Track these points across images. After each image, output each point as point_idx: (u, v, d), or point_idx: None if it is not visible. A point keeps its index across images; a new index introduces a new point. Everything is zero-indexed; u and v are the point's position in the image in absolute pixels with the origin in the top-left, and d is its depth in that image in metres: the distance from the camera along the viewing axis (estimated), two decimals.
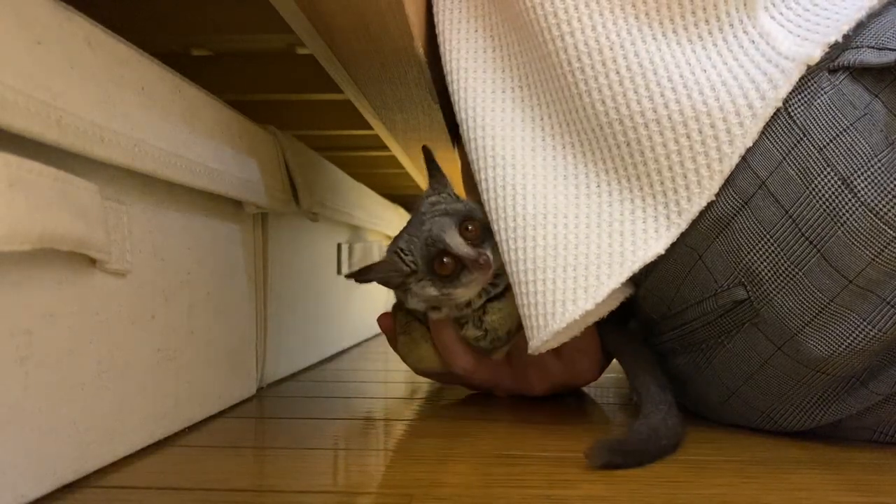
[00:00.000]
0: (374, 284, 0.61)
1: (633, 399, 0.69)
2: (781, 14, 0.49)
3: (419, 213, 0.60)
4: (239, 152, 0.62)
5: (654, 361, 0.56)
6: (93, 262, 0.43)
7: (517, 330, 0.60)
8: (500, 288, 0.59)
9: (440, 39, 0.58)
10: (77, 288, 0.42)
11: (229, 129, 0.61)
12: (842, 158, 0.45)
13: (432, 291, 0.57)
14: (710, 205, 0.48)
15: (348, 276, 0.59)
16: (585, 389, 0.72)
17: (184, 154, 0.51)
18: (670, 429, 0.50)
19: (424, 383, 0.79)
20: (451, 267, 0.56)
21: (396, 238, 0.60)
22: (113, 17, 0.47)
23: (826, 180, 0.45)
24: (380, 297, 1.30)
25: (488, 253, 0.56)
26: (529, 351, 0.53)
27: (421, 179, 1.25)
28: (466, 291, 0.57)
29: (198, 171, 0.53)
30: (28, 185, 0.34)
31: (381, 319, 0.67)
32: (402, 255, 0.58)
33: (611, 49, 0.48)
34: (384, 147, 0.94)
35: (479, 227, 0.57)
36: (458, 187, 0.74)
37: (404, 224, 0.61)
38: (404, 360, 0.68)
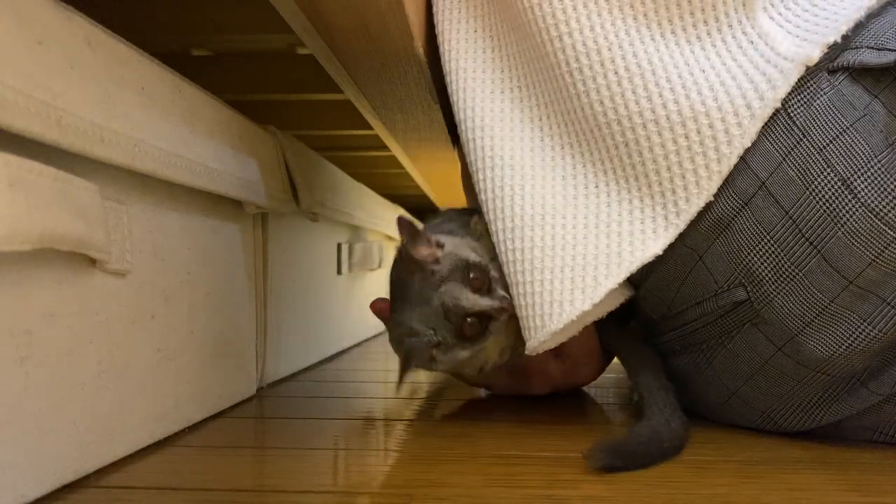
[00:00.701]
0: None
1: (632, 399, 0.69)
2: (780, 14, 0.49)
3: (413, 290, 0.54)
4: (239, 152, 0.62)
5: (658, 363, 0.56)
6: (93, 262, 0.43)
7: (510, 357, 0.60)
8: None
9: (440, 39, 0.58)
10: (77, 288, 0.42)
11: (229, 129, 0.61)
12: (842, 159, 0.45)
13: (464, 354, 0.55)
14: (709, 205, 0.48)
15: (399, 387, 0.55)
16: (585, 389, 0.72)
17: (184, 154, 0.51)
18: (673, 431, 0.49)
19: (425, 383, 0.79)
20: (477, 325, 0.54)
21: (400, 322, 0.55)
22: (113, 17, 0.47)
23: (826, 181, 0.45)
24: None
25: (501, 292, 0.54)
26: (527, 351, 0.53)
27: (422, 180, 1.25)
28: (497, 339, 0.57)
29: (198, 171, 0.53)
30: (28, 185, 0.34)
31: (374, 304, 0.63)
32: (423, 334, 0.54)
33: (609, 49, 0.48)
34: (384, 147, 0.94)
35: (482, 271, 0.55)
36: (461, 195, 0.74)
37: (395, 296, 0.56)
38: None
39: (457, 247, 0.56)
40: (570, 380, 0.65)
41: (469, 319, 0.53)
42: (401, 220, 0.54)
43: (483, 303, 0.53)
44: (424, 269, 0.54)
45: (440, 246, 0.56)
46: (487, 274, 0.55)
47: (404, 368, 0.55)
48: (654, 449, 0.47)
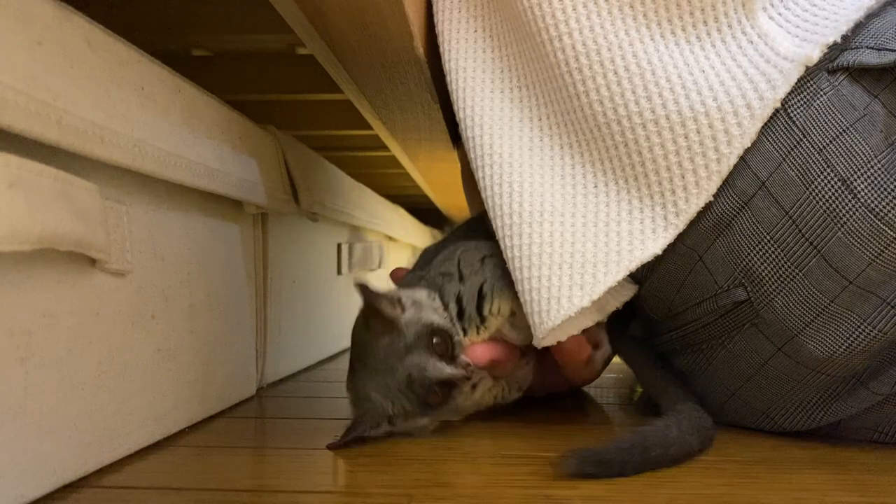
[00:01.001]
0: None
1: (632, 399, 0.69)
2: (780, 14, 0.49)
3: (377, 357, 0.52)
4: (239, 152, 0.62)
5: (662, 365, 0.56)
6: (93, 262, 0.43)
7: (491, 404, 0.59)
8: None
9: (440, 39, 0.58)
10: (77, 288, 0.42)
11: (229, 129, 0.61)
12: (841, 159, 0.45)
13: (424, 421, 0.53)
14: (710, 205, 0.48)
15: (330, 447, 0.51)
16: (585, 389, 0.72)
17: (184, 154, 0.51)
18: (669, 438, 0.47)
19: None
20: (443, 393, 0.52)
21: (355, 387, 0.54)
22: (113, 18, 0.47)
23: (826, 181, 0.46)
24: None
25: (465, 359, 0.53)
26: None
27: (422, 180, 1.25)
28: (464, 401, 0.55)
29: (198, 171, 0.53)
30: (28, 185, 0.35)
31: (395, 273, 0.63)
32: (380, 405, 0.52)
33: (609, 49, 0.48)
34: (384, 147, 0.94)
35: (444, 335, 0.53)
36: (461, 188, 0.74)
37: (357, 357, 0.54)
38: None
39: (420, 308, 0.54)
40: (570, 384, 0.65)
41: (435, 390, 0.52)
42: (361, 287, 0.52)
43: (447, 371, 0.52)
44: (392, 333, 0.52)
45: (402, 308, 0.53)
46: (451, 339, 0.53)
47: (350, 432, 0.52)
48: (635, 457, 0.45)
